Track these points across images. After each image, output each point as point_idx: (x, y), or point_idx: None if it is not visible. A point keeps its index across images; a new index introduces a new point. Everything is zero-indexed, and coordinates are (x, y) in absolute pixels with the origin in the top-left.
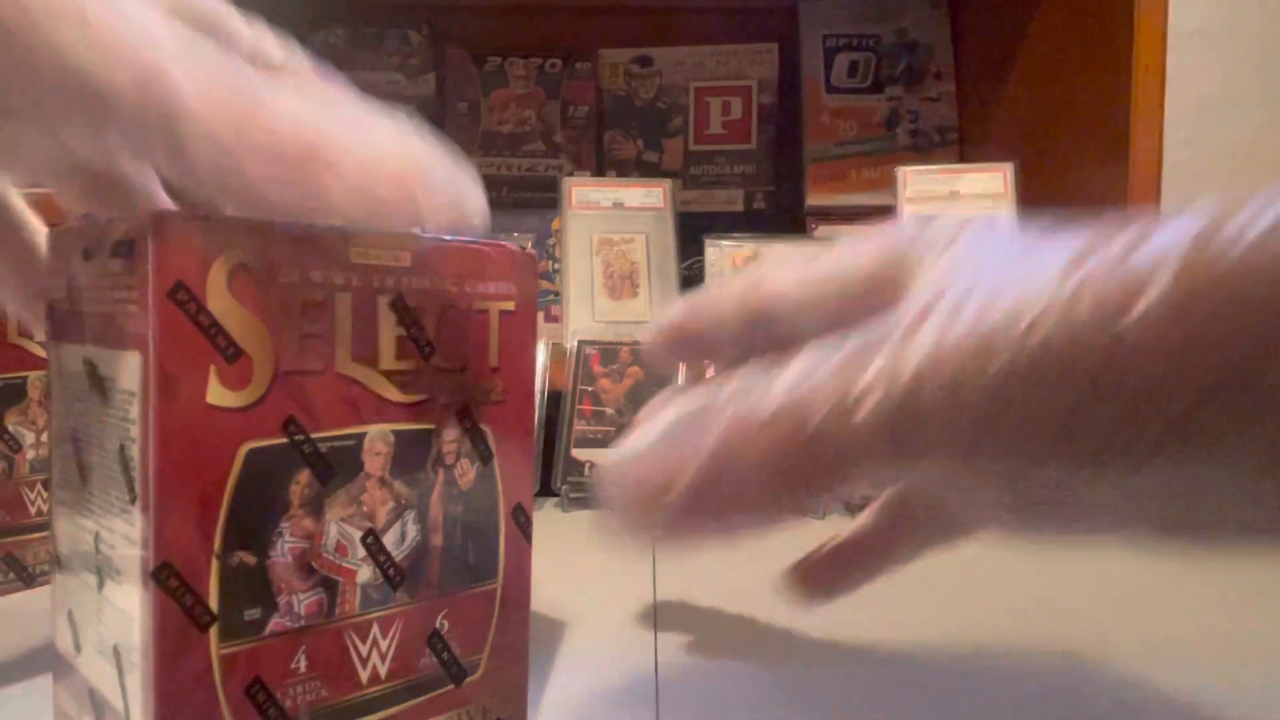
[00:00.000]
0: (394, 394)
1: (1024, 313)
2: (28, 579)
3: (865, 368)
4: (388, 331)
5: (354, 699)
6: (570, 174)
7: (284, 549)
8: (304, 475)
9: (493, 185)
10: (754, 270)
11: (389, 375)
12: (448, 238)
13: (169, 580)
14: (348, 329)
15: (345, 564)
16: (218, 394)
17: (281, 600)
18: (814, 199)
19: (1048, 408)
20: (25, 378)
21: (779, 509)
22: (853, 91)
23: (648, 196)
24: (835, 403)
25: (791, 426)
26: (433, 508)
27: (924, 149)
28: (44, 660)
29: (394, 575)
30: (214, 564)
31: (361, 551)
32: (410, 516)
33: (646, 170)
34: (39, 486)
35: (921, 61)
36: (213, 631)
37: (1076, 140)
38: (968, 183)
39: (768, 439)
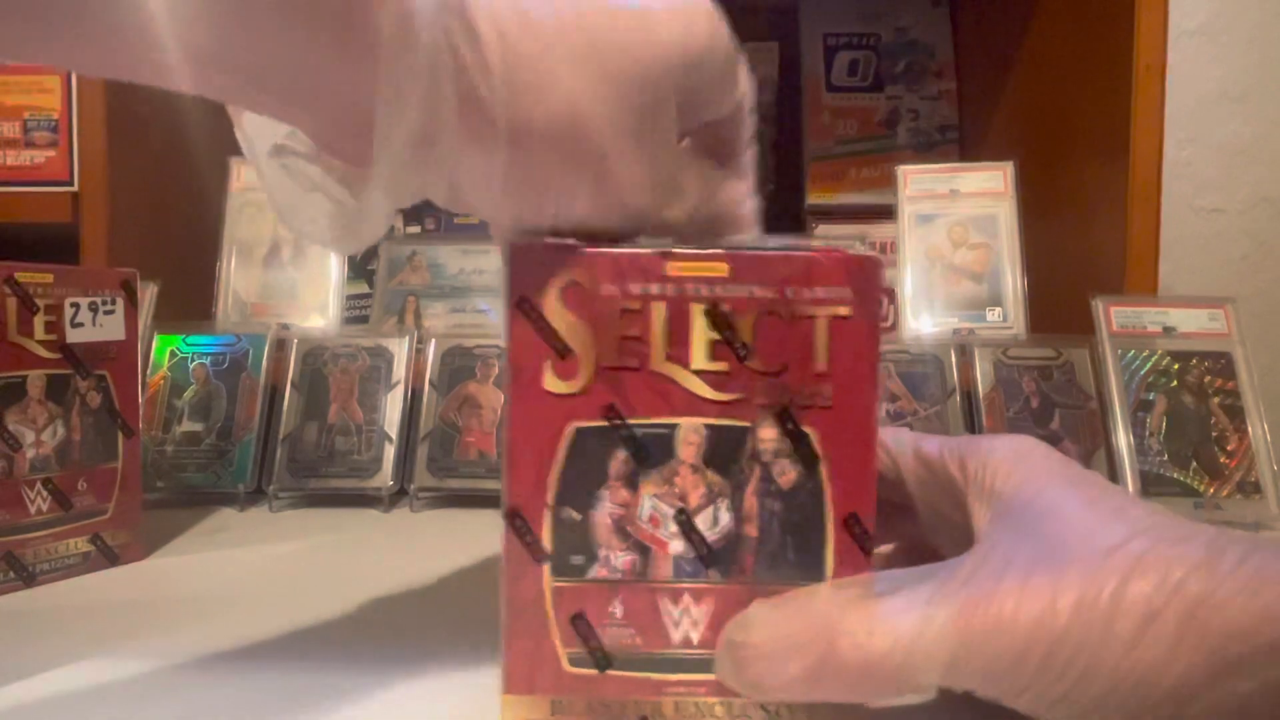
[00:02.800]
0: (706, 391)
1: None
2: (28, 578)
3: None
4: (700, 335)
5: (665, 654)
6: None
7: (603, 511)
8: (621, 453)
9: None
10: None
11: (701, 374)
12: (772, 247)
13: (516, 521)
14: (662, 332)
15: (658, 534)
16: (552, 382)
17: (601, 553)
18: (814, 198)
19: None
20: (25, 377)
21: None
22: (853, 90)
23: None
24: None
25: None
26: (747, 500)
27: (924, 148)
28: (44, 660)
29: (705, 553)
30: (547, 514)
31: (674, 526)
32: (723, 504)
33: None
34: (39, 485)
35: (922, 60)
36: (546, 567)
37: (1076, 140)
38: (968, 181)
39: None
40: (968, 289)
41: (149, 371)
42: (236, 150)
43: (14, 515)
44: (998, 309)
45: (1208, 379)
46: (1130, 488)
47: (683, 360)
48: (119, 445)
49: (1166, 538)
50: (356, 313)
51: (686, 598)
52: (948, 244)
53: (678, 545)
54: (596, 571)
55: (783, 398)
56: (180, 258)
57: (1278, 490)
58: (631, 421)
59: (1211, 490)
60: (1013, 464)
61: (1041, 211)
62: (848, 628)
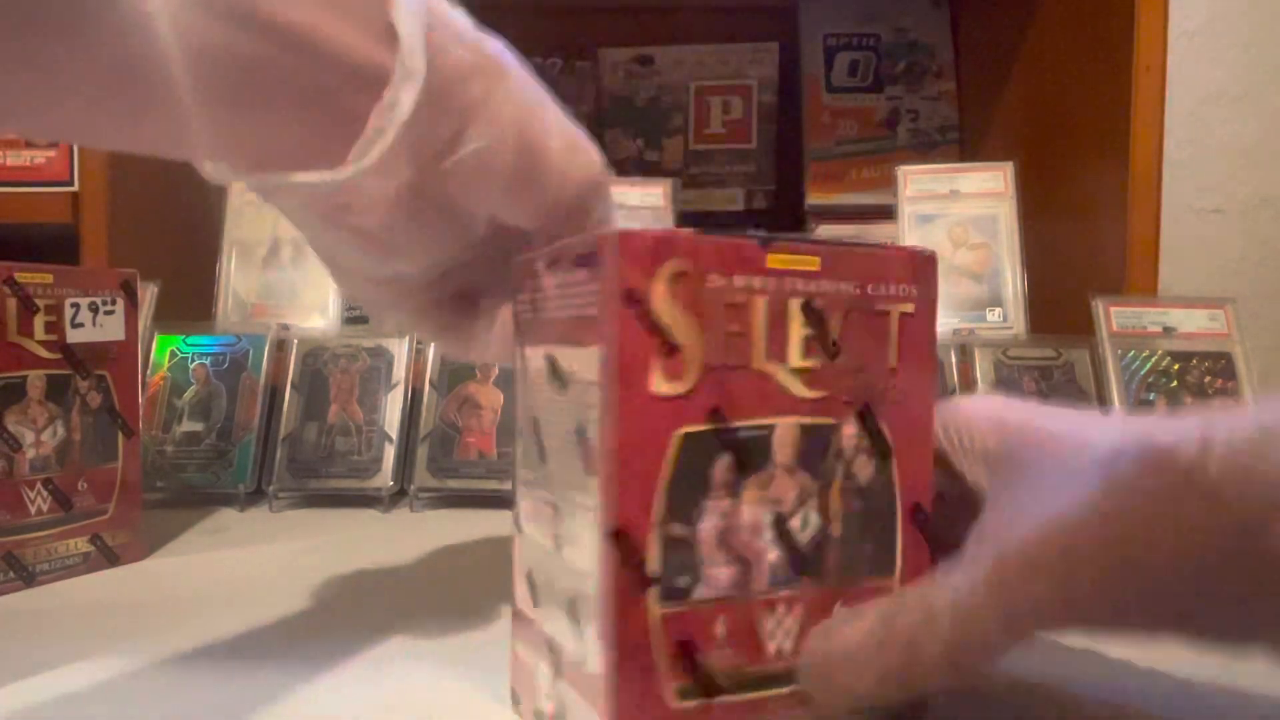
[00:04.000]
0: (801, 390)
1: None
2: (28, 578)
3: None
4: (796, 332)
5: (763, 670)
6: None
7: (708, 524)
8: (725, 459)
9: None
10: None
11: (797, 372)
12: (852, 243)
13: (622, 543)
14: (763, 329)
15: (757, 543)
16: (660, 384)
17: (705, 570)
18: (814, 198)
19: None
20: (25, 377)
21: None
22: (853, 91)
23: (648, 196)
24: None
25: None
26: (832, 499)
27: (924, 148)
28: (44, 660)
29: (798, 559)
30: (654, 532)
31: (770, 534)
32: (812, 505)
33: (647, 169)
34: (39, 485)
35: (922, 61)
36: (652, 592)
37: (1076, 140)
38: (968, 182)
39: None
40: (968, 289)
41: (149, 371)
42: None
43: (14, 515)
44: (998, 309)
45: (1208, 379)
46: None
47: (781, 357)
48: (119, 445)
49: (1159, 423)
50: (356, 313)
51: (781, 608)
52: (948, 244)
53: (774, 553)
54: (702, 591)
55: (864, 394)
56: (180, 258)
57: None
58: (735, 424)
59: None
60: (992, 420)
61: (1041, 211)
62: (916, 619)
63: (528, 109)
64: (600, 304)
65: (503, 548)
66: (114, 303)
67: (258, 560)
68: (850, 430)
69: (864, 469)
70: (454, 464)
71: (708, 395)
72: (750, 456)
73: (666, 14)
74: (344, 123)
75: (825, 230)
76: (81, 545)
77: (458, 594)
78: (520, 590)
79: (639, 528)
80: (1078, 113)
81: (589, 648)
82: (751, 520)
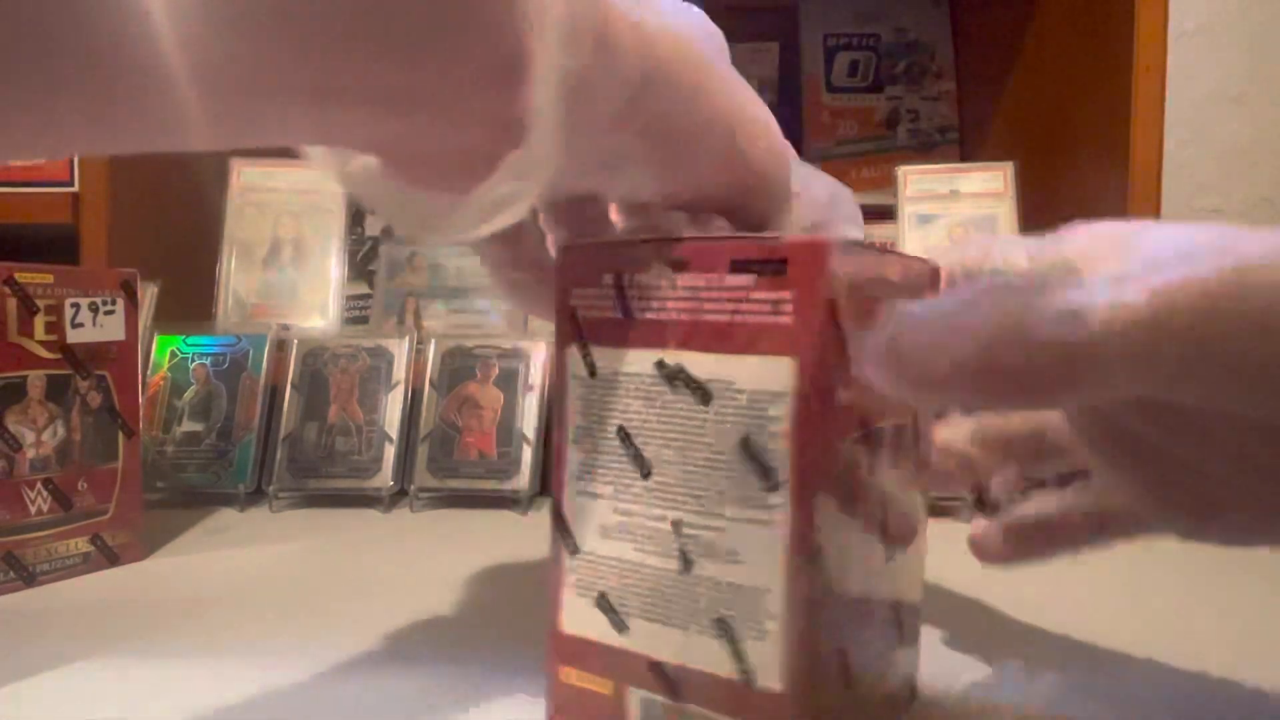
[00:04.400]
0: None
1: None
2: (28, 578)
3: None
4: None
5: (867, 662)
6: None
7: (857, 529)
8: (865, 462)
9: None
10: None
11: None
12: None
13: (818, 558)
14: None
15: (874, 544)
16: (841, 394)
17: (855, 570)
18: None
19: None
20: (25, 377)
21: (1026, 400)
22: (853, 91)
23: None
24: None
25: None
26: (900, 496)
27: (924, 148)
28: (44, 660)
29: (889, 556)
30: (833, 541)
31: (878, 532)
32: (893, 502)
33: None
34: (39, 485)
35: (922, 61)
36: (833, 599)
37: (1076, 140)
38: (968, 182)
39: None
40: None
41: (149, 372)
42: (236, 150)
43: (14, 515)
44: None
45: None
46: None
47: None
48: (119, 445)
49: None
50: (356, 313)
51: (876, 600)
52: (948, 244)
53: (880, 550)
54: (852, 593)
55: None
56: (180, 258)
57: None
58: (875, 427)
59: None
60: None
61: (1041, 211)
62: (1034, 306)
63: (720, 85)
64: (795, 312)
65: (503, 547)
66: (114, 303)
67: (258, 560)
68: (910, 430)
69: (910, 467)
70: (454, 464)
71: (858, 403)
72: (875, 456)
73: None
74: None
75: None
76: (81, 545)
77: (458, 594)
78: (580, 613)
79: (826, 538)
80: (1078, 113)
81: (763, 665)
82: (872, 519)
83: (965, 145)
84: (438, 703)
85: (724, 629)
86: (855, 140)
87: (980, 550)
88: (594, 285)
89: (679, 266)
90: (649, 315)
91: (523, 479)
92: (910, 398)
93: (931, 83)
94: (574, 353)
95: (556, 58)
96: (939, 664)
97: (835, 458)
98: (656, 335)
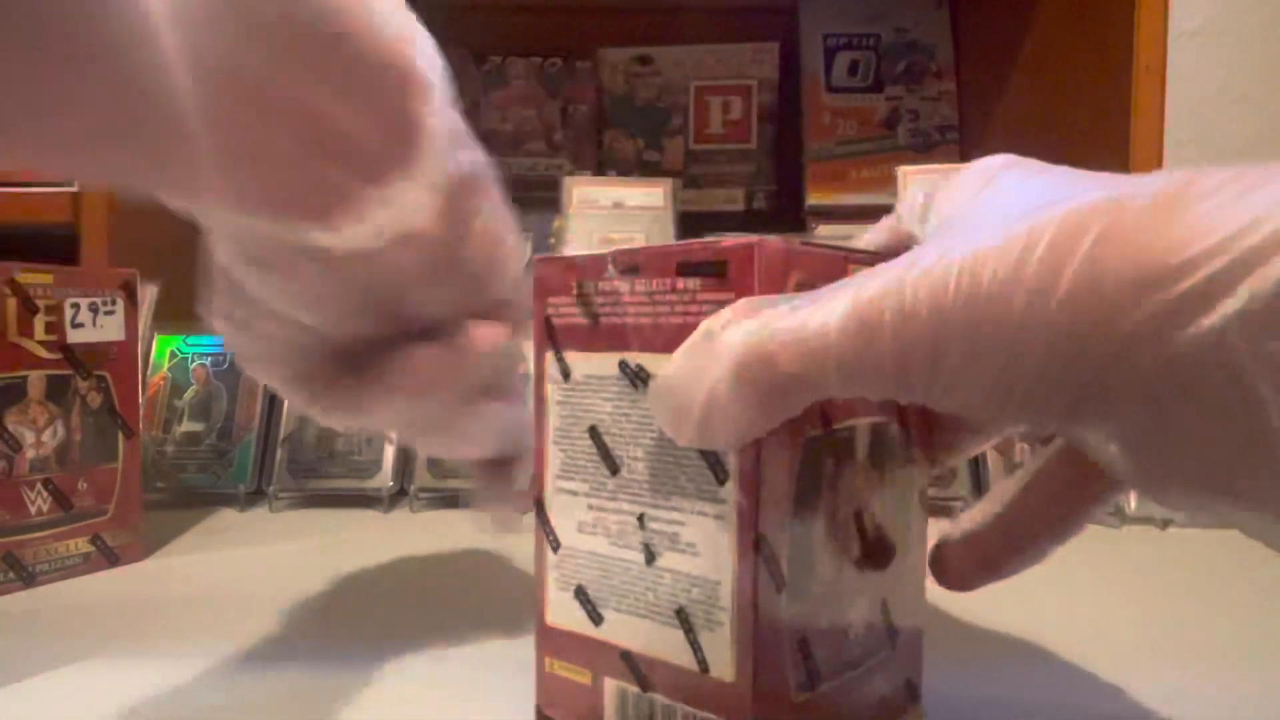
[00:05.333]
0: None
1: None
2: (28, 578)
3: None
4: None
5: (843, 661)
6: (570, 173)
7: (820, 524)
8: (829, 460)
9: None
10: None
11: None
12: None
13: (764, 548)
14: None
15: (847, 539)
16: None
17: (817, 568)
18: (814, 198)
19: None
20: (25, 377)
21: (762, 426)
22: (853, 91)
23: (648, 196)
24: (795, 331)
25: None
26: (885, 491)
27: (924, 148)
28: (44, 660)
29: (869, 553)
30: (786, 535)
31: (854, 528)
32: (878, 496)
33: (647, 170)
34: (39, 486)
35: (922, 61)
36: (785, 593)
37: (1076, 141)
38: None
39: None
40: None
41: (149, 372)
42: None
43: (14, 515)
44: None
45: None
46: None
47: None
48: (119, 446)
49: (1078, 188)
50: None
51: (857, 598)
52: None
53: (855, 546)
54: (814, 589)
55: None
56: (180, 258)
57: None
58: (834, 427)
59: None
60: (966, 182)
61: None
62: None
63: (502, 217)
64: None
65: (503, 547)
66: (114, 303)
67: (258, 560)
68: (894, 429)
69: (900, 460)
70: (454, 464)
71: (819, 401)
72: (843, 455)
73: (666, 14)
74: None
75: (825, 230)
76: (81, 545)
77: (458, 594)
78: (562, 606)
79: (776, 532)
80: (1078, 113)
81: (716, 656)
82: (844, 516)
83: (965, 145)
84: (437, 698)
85: (683, 620)
86: (855, 140)
87: (949, 567)
88: (564, 293)
89: (636, 272)
90: (613, 320)
91: (523, 479)
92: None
93: (931, 83)
94: (550, 358)
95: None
96: (939, 667)
97: (789, 453)
98: (619, 338)
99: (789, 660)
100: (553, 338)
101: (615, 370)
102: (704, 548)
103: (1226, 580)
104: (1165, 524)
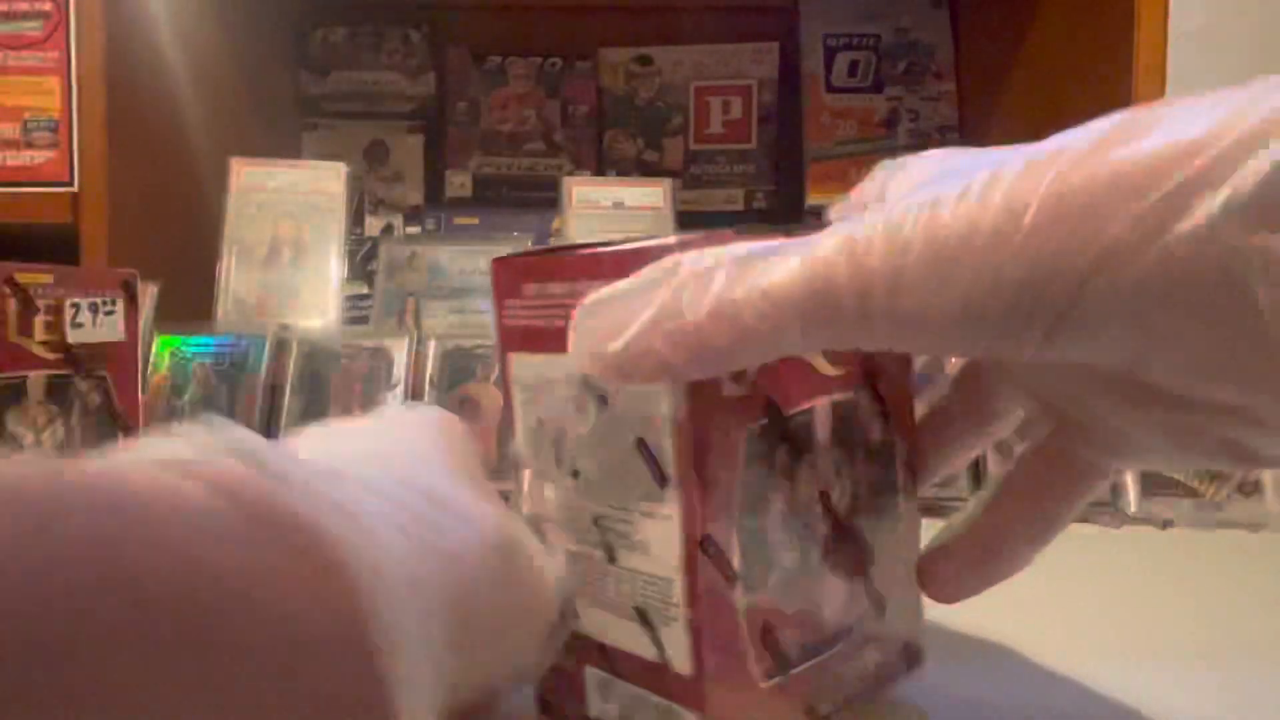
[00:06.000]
0: (828, 369)
1: (939, 202)
2: None
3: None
4: None
5: (818, 640)
6: (570, 173)
7: (774, 512)
8: (782, 449)
9: (493, 185)
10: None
11: (825, 352)
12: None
13: (708, 547)
14: None
15: (812, 522)
16: (729, 387)
17: (774, 555)
18: (814, 198)
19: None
20: (25, 378)
21: (706, 369)
22: (853, 91)
23: (648, 196)
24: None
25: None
26: (857, 467)
27: (924, 148)
28: None
29: (841, 532)
30: (734, 530)
31: (819, 509)
32: (846, 475)
33: (646, 170)
34: None
35: (922, 61)
36: (738, 587)
37: None
38: None
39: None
40: None
41: (149, 372)
42: (236, 150)
43: None
44: None
45: None
46: (1130, 488)
47: None
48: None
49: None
50: (356, 313)
51: (830, 577)
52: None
53: (823, 528)
54: (774, 576)
55: (866, 363)
56: (180, 258)
57: (1278, 490)
58: (788, 414)
59: (1211, 490)
60: (921, 165)
61: None
62: (698, 279)
63: None
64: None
65: None
66: (114, 303)
67: None
68: (864, 399)
69: (872, 435)
70: None
71: (762, 390)
72: (800, 442)
73: (666, 14)
74: None
75: None
76: None
77: None
78: None
79: (722, 529)
80: (1078, 113)
81: (675, 650)
82: (806, 500)
83: (965, 145)
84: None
85: (643, 616)
86: (855, 140)
87: (934, 579)
88: (519, 296)
89: (578, 275)
90: (562, 323)
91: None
92: (607, 380)
93: (931, 83)
94: (511, 359)
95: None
96: (938, 667)
97: (731, 448)
98: (543, 342)
99: (751, 650)
100: (512, 339)
101: (564, 374)
102: (655, 547)
103: (1227, 580)
104: (1165, 524)
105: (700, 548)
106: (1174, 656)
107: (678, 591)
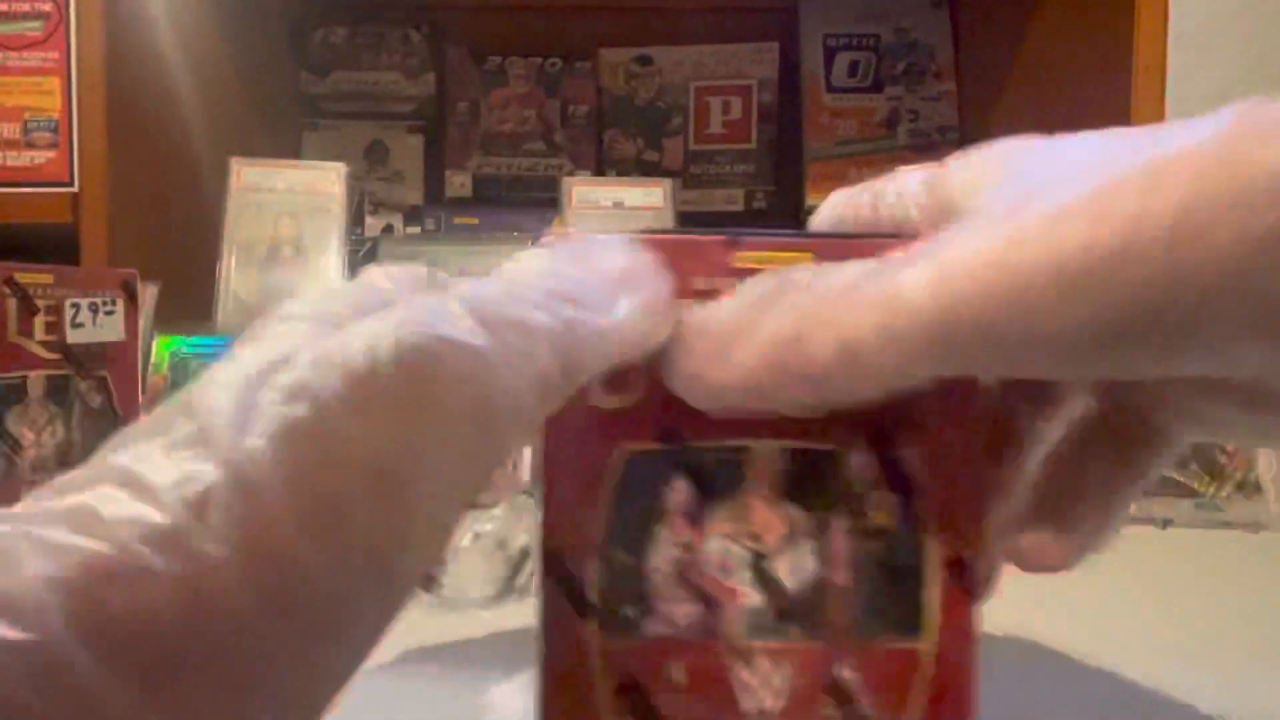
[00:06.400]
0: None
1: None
2: None
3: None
4: None
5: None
6: (570, 174)
7: (662, 554)
8: (680, 482)
9: (493, 185)
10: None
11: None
12: (856, 235)
13: (555, 567)
14: None
15: (728, 583)
16: (599, 397)
17: (659, 605)
18: (814, 199)
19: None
20: (25, 378)
21: (829, 398)
22: (853, 91)
23: (648, 196)
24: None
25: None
26: (835, 540)
27: (924, 149)
28: None
29: (784, 606)
30: (594, 557)
31: (748, 574)
32: (806, 545)
33: (646, 170)
34: (39, 486)
35: (922, 61)
36: (592, 623)
37: None
38: None
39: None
40: None
41: (149, 372)
42: (236, 150)
43: None
44: None
45: None
46: None
47: None
48: None
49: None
50: None
51: (762, 659)
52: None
53: (753, 596)
54: (652, 627)
55: (877, 416)
56: (180, 258)
57: (1278, 490)
58: (694, 444)
59: (1211, 490)
60: (993, 159)
61: None
62: (817, 304)
63: None
64: None
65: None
66: (114, 303)
67: None
68: (860, 460)
69: (881, 508)
70: None
71: (658, 409)
72: (715, 482)
73: (666, 14)
74: None
75: None
76: None
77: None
78: None
79: (576, 550)
80: (1078, 113)
81: (535, 674)
82: (720, 555)
83: (965, 145)
84: (440, 695)
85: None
86: (855, 140)
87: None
88: None
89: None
90: None
91: (523, 478)
92: (705, 408)
93: (931, 83)
94: None
95: None
96: None
97: (593, 467)
98: None
99: (608, 701)
100: None
101: None
102: (535, 560)
103: (1227, 580)
104: (1165, 524)
105: (545, 565)
106: (1174, 656)
107: (537, 610)
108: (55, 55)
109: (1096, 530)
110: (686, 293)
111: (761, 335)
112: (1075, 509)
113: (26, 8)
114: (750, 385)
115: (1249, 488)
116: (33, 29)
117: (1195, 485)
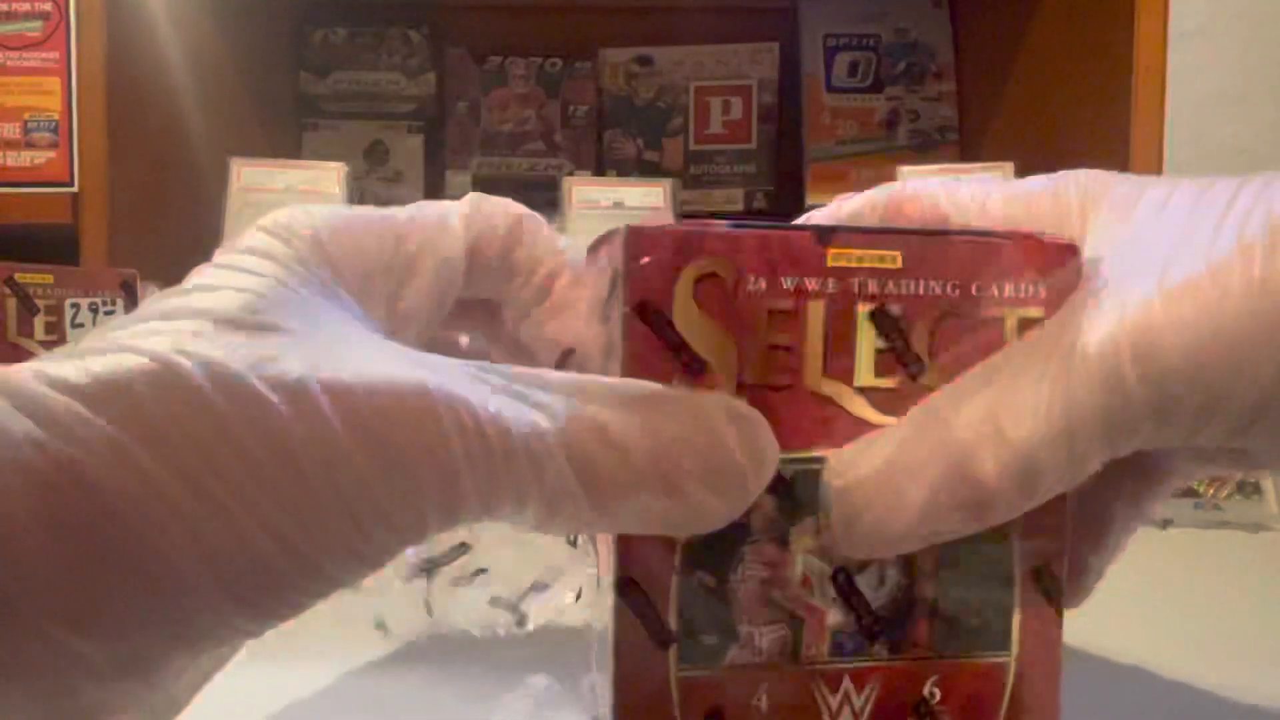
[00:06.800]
0: (872, 415)
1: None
2: None
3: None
4: (867, 344)
5: None
6: (570, 174)
7: (745, 575)
8: (767, 499)
9: (493, 185)
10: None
11: (866, 393)
12: (951, 231)
13: (631, 594)
14: (820, 341)
15: (812, 601)
16: None
17: (742, 630)
18: (814, 199)
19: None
20: None
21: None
22: (853, 91)
23: (648, 196)
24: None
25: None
26: (922, 553)
27: (924, 149)
28: None
29: (869, 623)
30: (674, 582)
31: (831, 591)
32: (892, 559)
33: (647, 170)
34: None
35: (922, 61)
36: (671, 652)
37: (1076, 140)
38: None
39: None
40: None
41: None
42: (236, 150)
43: None
44: None
45: None
46: None
47: (845, 376)
48: None
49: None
50: None
51: (846, 681)
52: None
53: (836, 615)
54: (736, 655)
55: None
56: (180, 258)
57: (1278, 490)
58: (786, 456)
59: (1211, 491)
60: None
61: None
62: (970, 429)
63: None
64: (608, 310)
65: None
66: (114, 303)
67: None
68: None
69: None
70: None
71: None
72: (799, 496)
73: (666, 14)
74: None
75: None
76: None
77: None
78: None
79: (654, 576)
80: (1078, 113)
81: (604, 705)
82: (804, 573)
83: (965, 145)
84: (444, 697)
85: (602, 660)
86: (855, 140)
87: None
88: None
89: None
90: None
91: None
92: (883, 555)
93: (931, 83)
94: None
95: None
96: None
97: None
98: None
99: None
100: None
101: None
102: (606, 584)
103: (1227, 580)
104: (1165, 524)
105: (619, 592)
106: (1173, 657)
107: (610, 639)
108: (55, 55)
109: (1096, 566)
110: (777, 295)
111: (927, 476)
112: (1075, 547)
113: (26, 8)
114: (925, 530)
115: (1249, 488)
116: (33, 29)
117: (1195, 486)
